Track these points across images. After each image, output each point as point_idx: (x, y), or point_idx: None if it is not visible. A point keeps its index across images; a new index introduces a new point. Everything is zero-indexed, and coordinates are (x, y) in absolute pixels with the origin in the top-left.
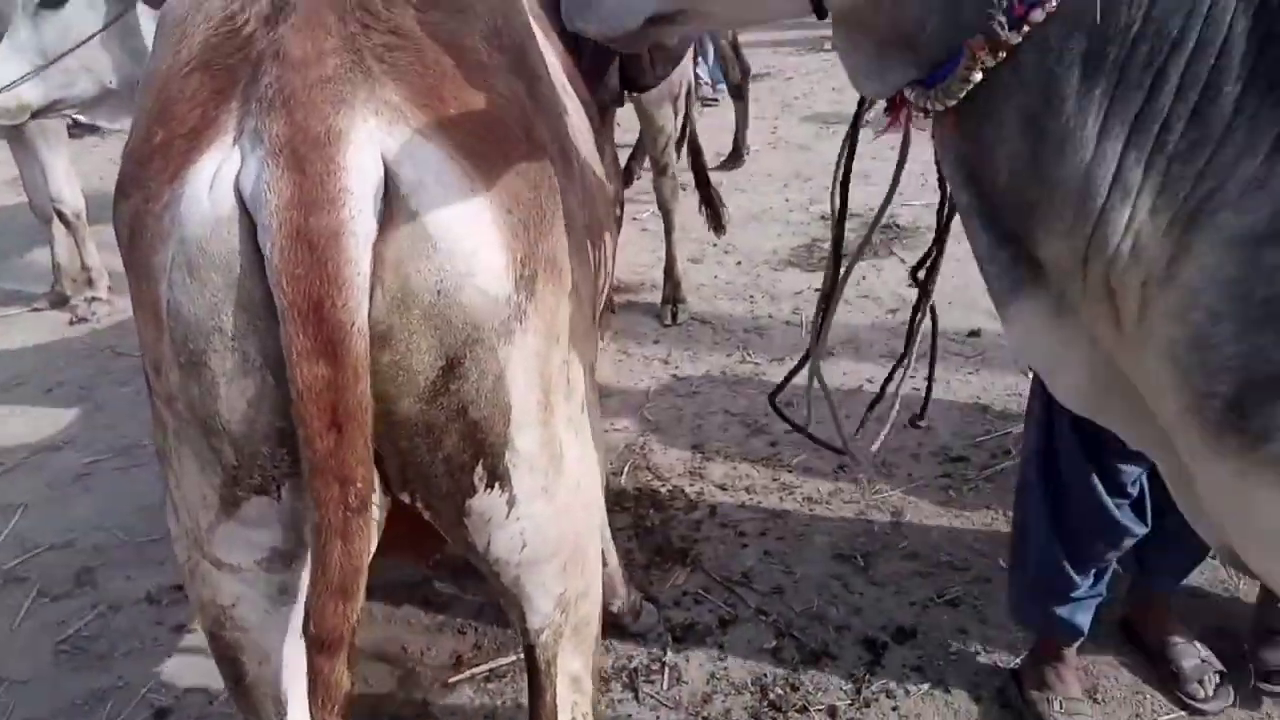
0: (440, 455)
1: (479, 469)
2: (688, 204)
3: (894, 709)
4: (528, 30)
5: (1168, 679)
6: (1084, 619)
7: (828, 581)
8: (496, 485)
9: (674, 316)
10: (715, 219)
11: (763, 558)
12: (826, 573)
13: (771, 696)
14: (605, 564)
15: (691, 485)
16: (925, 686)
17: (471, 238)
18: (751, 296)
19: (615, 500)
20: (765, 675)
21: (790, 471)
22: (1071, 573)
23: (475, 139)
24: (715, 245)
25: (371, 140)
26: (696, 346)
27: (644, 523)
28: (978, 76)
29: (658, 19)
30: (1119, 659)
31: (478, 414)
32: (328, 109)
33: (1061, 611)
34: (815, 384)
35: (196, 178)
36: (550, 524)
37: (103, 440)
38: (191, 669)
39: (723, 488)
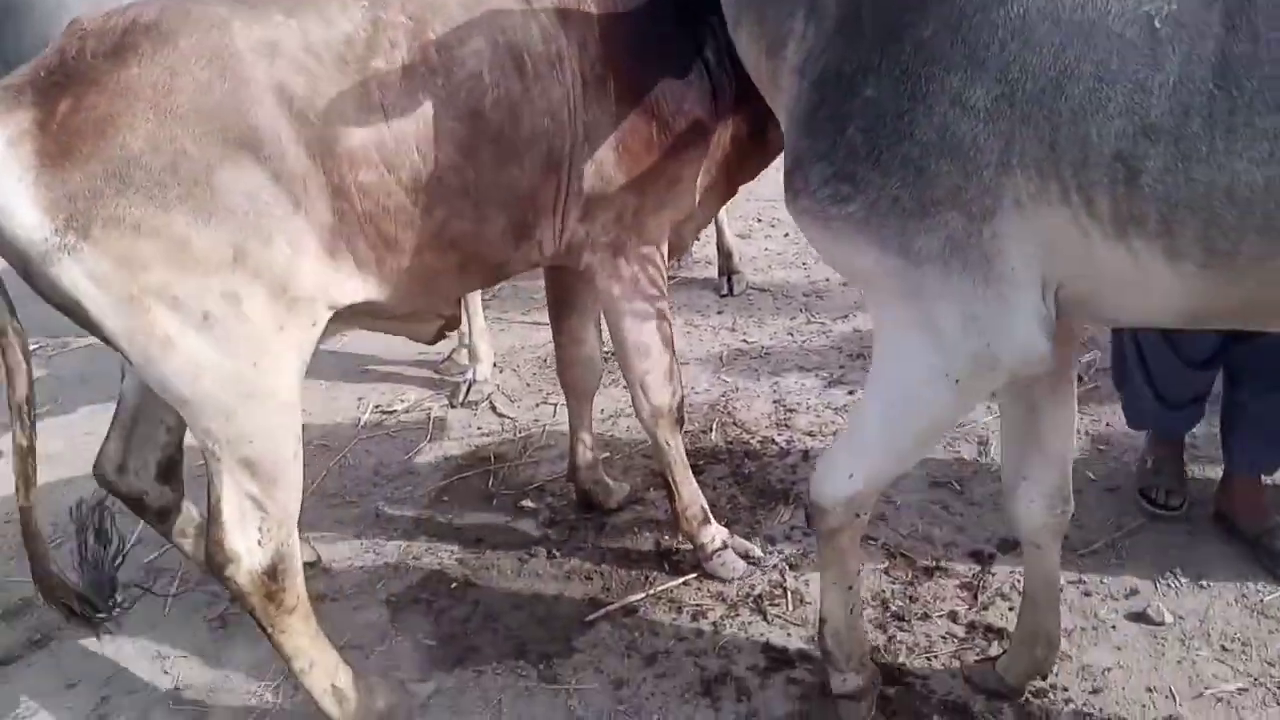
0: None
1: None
2: None
3: (1010, 609)
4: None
5: (1265, 560)
6: (1180, 418)
7: (928, 506)
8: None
9: (731, 287)
10: None
11: None
12: (926, 499)
13: (893, 608)
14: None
15: (780, 435)
16: None
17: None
18: (804, 264)
19: (710, 454)
20: (883, 590)
21: None
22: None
23: (50, 155)
24: (761, 220)
25: None
26: (760, 313)
27: (742, 470)
28: None
29: None
30: (1220, 547)
31: (65, 302)
32: None
33: (1164, 416)
34: None
35: None
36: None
37: None
38: (339, 635)
39: (810, 434)
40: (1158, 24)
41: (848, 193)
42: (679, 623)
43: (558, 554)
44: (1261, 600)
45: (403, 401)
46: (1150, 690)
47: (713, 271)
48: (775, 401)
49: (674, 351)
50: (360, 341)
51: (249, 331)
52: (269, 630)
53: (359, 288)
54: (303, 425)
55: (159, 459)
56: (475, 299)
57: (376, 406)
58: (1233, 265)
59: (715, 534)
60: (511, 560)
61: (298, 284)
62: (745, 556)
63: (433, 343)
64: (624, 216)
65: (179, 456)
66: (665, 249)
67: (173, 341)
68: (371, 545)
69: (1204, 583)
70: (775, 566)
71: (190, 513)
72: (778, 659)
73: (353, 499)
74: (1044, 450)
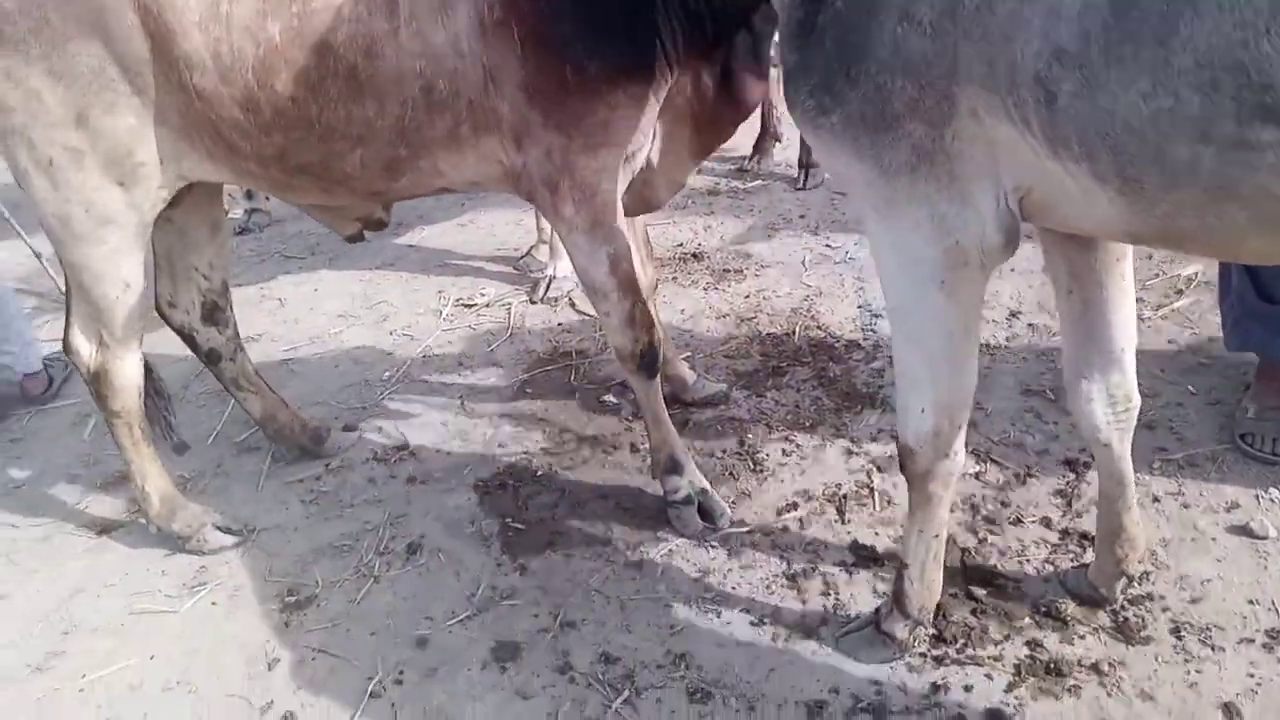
0: None
1: None
2: None
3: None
4: None
5: None
6: None
7: (1020, 414)
8: None
9: (806, 180)
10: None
11: None
12: (1017, 406)
13: (984, 512)
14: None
15: (865, 339)
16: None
17: None
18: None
19: (793, 356)
20: (974, 495)
21: None
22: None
23: None
24: None
25: None
26: (844, 219)
27: (826, 373)
28: None
29: None
30: None
31: None
32: None
33: (1267, 335)
34: None
35: None
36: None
37: (294, 331)
38: (429, 516)
39: None
40: None
41: (828, 104)
42: (764, 519)
43: (641, 448)
44: None
45: (483, 296)
46: (1252, 603)
47: (792, 174)
48: (860, 306)
49: (637, 297)
50: (439, 236)
51: (84, 182)
52: (106, 420)
53: (214, 171)
54: (387, 315)
55: (201, 301)
56: None
57: (457, 300)
58: (1143, 194)
59: (684, 485)
60: (596, 452)
61: (143, 152)
62: (710, 515)
63: (351, 241)
64: (552, 155)
65: (223, 304)
66: (613, 192)
67: (29, 175)
68: (458, 433)
69: None
70: (862, 468)
71: (246, 367)
72: (865, 557)
73: (438, 387)
74: (1101, 347)
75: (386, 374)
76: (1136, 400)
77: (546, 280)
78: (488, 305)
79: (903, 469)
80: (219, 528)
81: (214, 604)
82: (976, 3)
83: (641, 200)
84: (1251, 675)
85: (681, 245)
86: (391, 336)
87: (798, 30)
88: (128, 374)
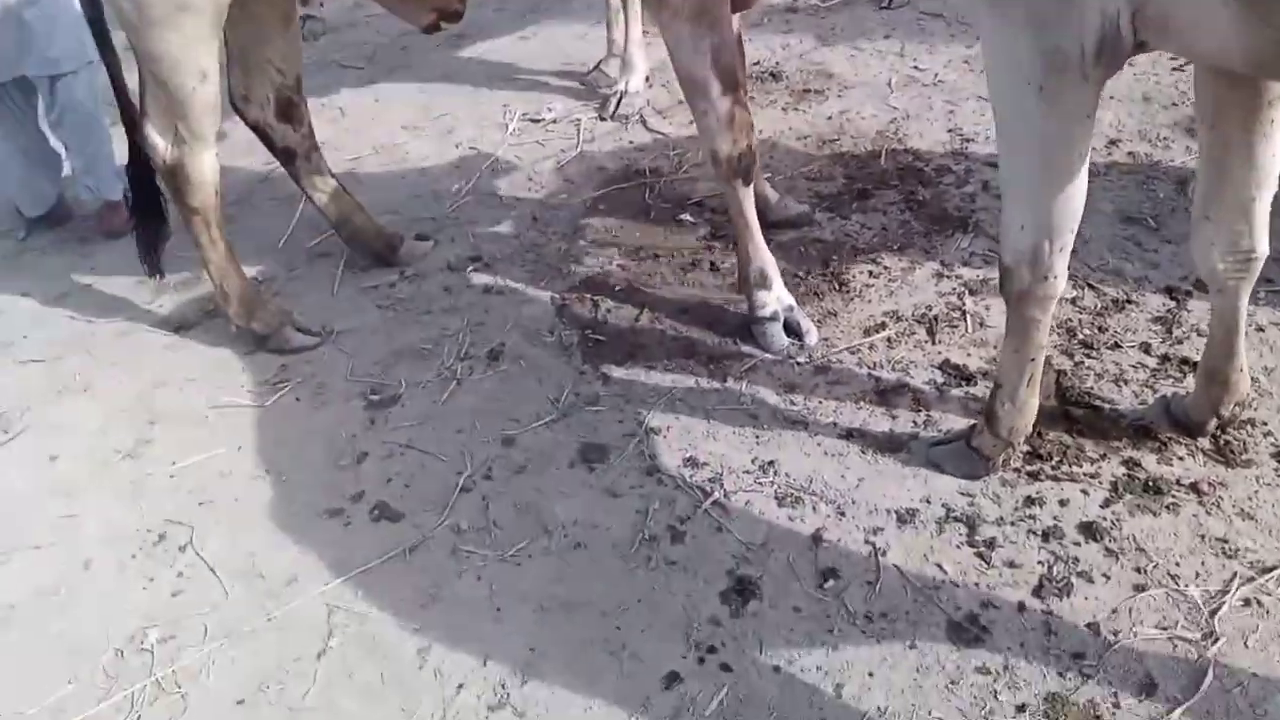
0: None
1: None
2: None
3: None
4: None
5: None
6: None
7: (1119, 241)
8: None
9: (892, 0)
10: None
11: None
12: (1117, 234)
13: (1081, 336)
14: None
15: (957, 164)
16: None
17: None
18: None
19: (880, 179)
20: (1070, 320)
21: None
22: None
23: None
24: None
25: None
26: (932, 40)
27: (915, 196)
28: None
29: None
30: None
31: None
32: None
33: None
34: None
35: None
36: None
37: (356, 141)
38: (508, 324)
39: (991, 164)
40: None
41: None
42: (851, 338)
43: (721, 267)
44: None
45: (549, 111)
46: None
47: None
48: (950, 130)
49: (739, 97)
50: (502, 49)
51: None
52: (183, 217)
53: None
54: (452, 128)
55: (275, 96)
56: (635, 7)
57: (523, 115)
58: (1267, 4)
59: (771, 301)
60: (674, 270)
61: None
62: (797, 332)
63: (427, 32)
64: None
65: (297, 100)
66: None
67: None
68: (532, 246)
69: None
70: (954, 290)
71: (322, 166)
72: (955, 375)
73: (509, 201)
74: (1232, 191)
75: (455, 186)
76: (1263, 251)
77: (617, 96)
78: (555, 121)
79: (1001, 288)
80: (298, 328)
81: (297, 400)
82: None
83: None
84: None
85: (758, 64)
86: (457, 149)
87: None
88: (206, 169)
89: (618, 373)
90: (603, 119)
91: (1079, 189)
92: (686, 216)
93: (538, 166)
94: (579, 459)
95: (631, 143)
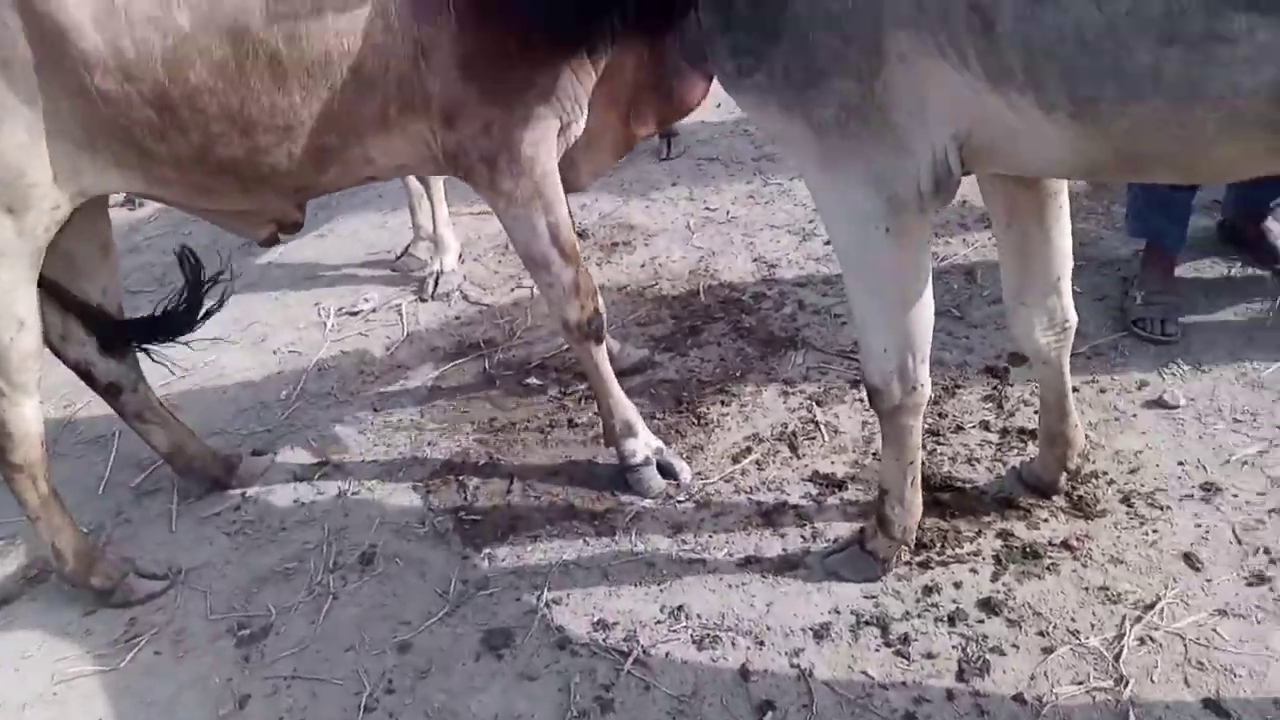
0: None
1: None
2: None
3: (1035, 411)
4: None
5: (1265, 259)
6: (1179, 228)
7: (934, 334)
8: None
9: (669, 149)
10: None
11: None
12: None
13: (927, 426)
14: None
15: (770, 290)
16: None
17: None
18: (746, 130)
19: (705, 314)
20: None
21: None
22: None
23: None
24: None
25: None
26: (715, 182)
27: (741, 325)
28: None
29: None
30: (1211, 335)
31: None
32: None
33: (1163, 221)
34: None
35: None
36: None
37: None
38: (374, 524)
39: (800, 285)
40: None
41: (750, 64)
42: (722, 468)
43: (580, 422)
44: (1259, 376)
45: (366, 302)
46: (1182, 464)
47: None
48: (755, 260)
49: (580, 264)
50: (300, 249)
51: None
52: (4, 475)
53: (123, 182)
54: (265, 335)
55: (97, 331)
56: (438, 188)
57: (339, 310)
58: (1099, 114)
59: (641, 447)
60: (533, 434)
61: (36, 171)
62: (671, 473)
63: (265, 245)
64: (491, 130)
65: (119, 331)
66: (552, 161)
67: None
68: (379, 440)
69: (1204, 367)
70: (802, 405)
71: (150, 397)
72: (826, 484)
73: (344, 398)
74: (1040, 276)
75: (283, 393)
76: (1074, 320)
77: (434, 276)
78: (374, 311)
79: (873, 405)
80: (142, 574)
81: (157, 653)
82: None
83: (564, 181)
84: (1199, 525)
85: None
86: (276, 356)
87: None
88: (29, 421)
89: (503, 550)
90: (423, 300)
91: (928, 303)
92: (533, 380)
93: (367, 358)
94: (484, 649)
95: (458, 318)
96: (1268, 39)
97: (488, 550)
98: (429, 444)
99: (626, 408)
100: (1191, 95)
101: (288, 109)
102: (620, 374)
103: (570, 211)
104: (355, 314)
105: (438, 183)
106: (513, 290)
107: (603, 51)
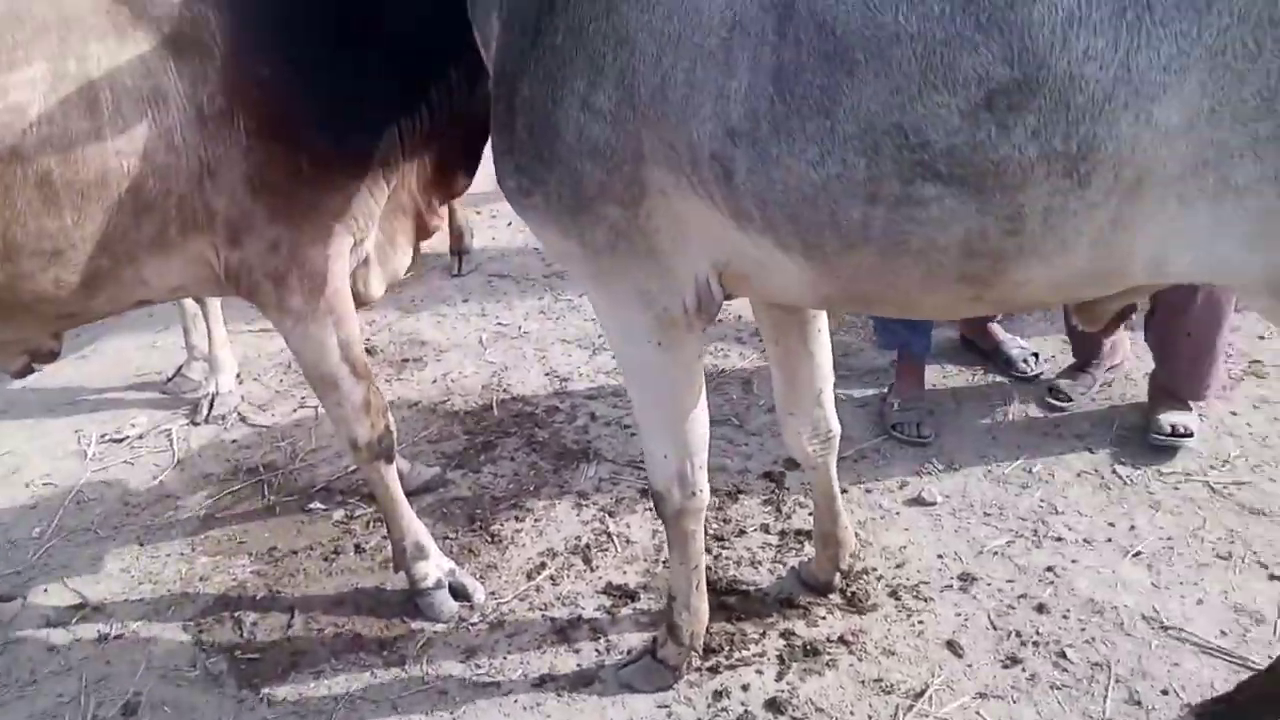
0: None
1: None
2: None
3: (809, 514)
4: None
5: (1002, 366)
6: (923, 339)
7: (716, 443)
8: None
9: (460, 267)
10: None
11: None
12: (712, 437)
13: (710, 532)
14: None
15: (563, 403)
16: None
17: None
18: (536, 248)
19: (498, 429)
20: None
21: None
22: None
23: None
24: (479, 213)
25: None
26: (506, 298)
27: (535, 439)
28: None
29: None
30: (959, 438)
31: None
32: None
33: (908, 334)
34: None
35: None
36: None
37: None
38: (139, 670)
39: (591, 398)
40: (725, 33)
41: (528, 186)
42: (516, 586)
43: (367, 547)
44: (1004, 472)
45: (134, 427)
46: (941, 557)
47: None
48: (547, 374)
49: (371, 381)
50: (59, 372)
51: None
52: None
53: None
54: (17, 467)
55: None
56: (215, 308)
57: (103, 437)
58: (825, 259)
59: (432, 570)
60: (317, 563)
61: None
62: (464, 594)
63: (18, 376)
64: (279, 248)
65: None
66: (344, 276)
67: None
68: (145, 576)
69: (955, 466)
70: (595, 517)
71: None
72: (620, 595)
73: (106, 533)
74: (805, 389)
75: (35, 530)
76: (837, 429)
77: (208, 398)
78: (141, 437)
79: (657, 511)
80: None
81: None
82: (651, 90)
83: (354, 294)
84: (959, 614)
85: None
86: (29, 489)
87: (499, 114)
88: None
89: (283, 690)
90: (196, 424)
91: (703, 413)
92: (316, 505)
93: (132, 488)
94: None
95: (235, 442)
96: (953, 204)
97: (266, 691)
98: (201, 579)
99: (417, 529)
100: (897, 248)
101: (57, 232)
102: (411, 494)
103: (360, 328)
104: (120, 441)
105: (214, 299)
106: (295, 410)
107: (395, 164)
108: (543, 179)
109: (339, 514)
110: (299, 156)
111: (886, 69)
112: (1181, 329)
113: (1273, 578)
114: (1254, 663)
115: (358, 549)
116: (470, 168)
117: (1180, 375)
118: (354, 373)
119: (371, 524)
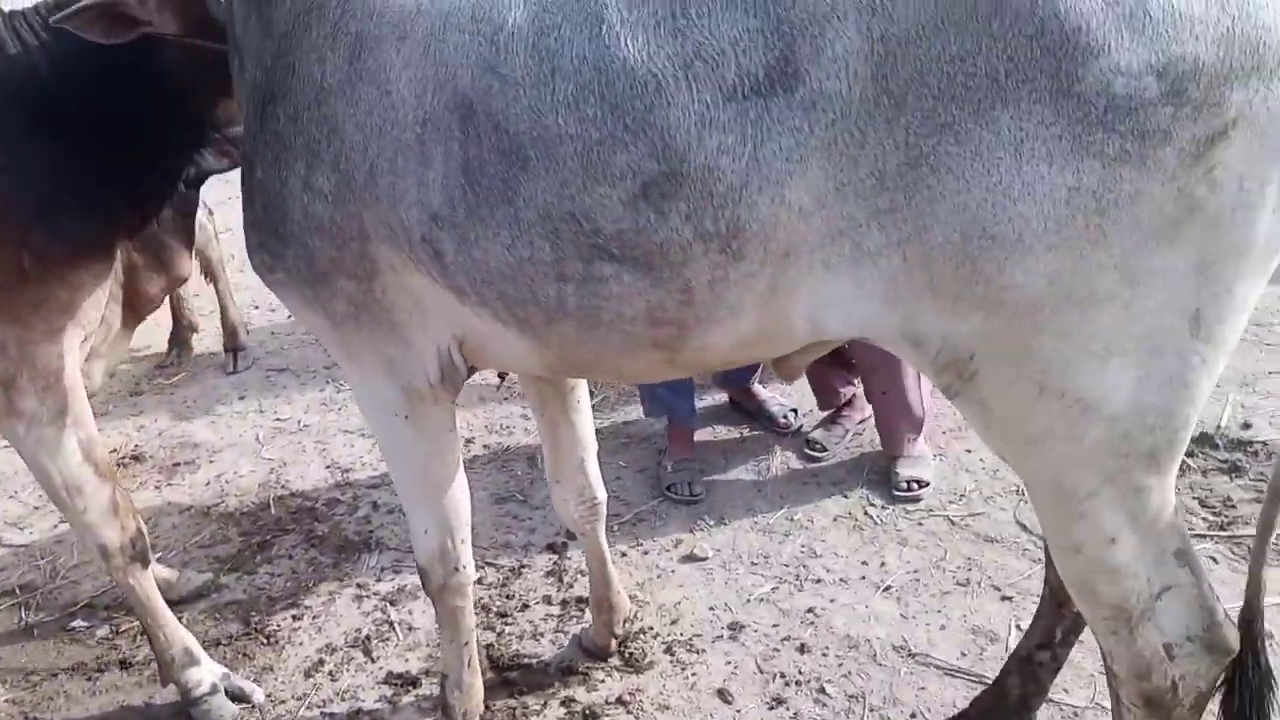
0: None
1: None
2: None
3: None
4: None
5: (765, 423)
6: (687, 403)
7: (500, 519)
8: None
9: (236, 364)
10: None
11: None
12: (496, 514)
13: (495, 609)
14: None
15: (344, 494)
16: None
17: None
18: (315, 340)
19: (276, 527)
20: (481, 598)
21: None
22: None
23: None
24: (257, 307)
25: None
26: (286, 392)
27: (314, 534)
28: None
29: None
30: (727, 495)
31: None
32: None
33: (671, 399)
34: None
35: None
36: None
37: None
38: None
39: (374, 486)
40: (419, 129)
41: (270, 261)
42: (295, 686)
43: (134, 661)
44: (769, 522)
45: None
46: (713, 609)
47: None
48: (328, 466)
49: (116, 481)
50: None
51: None
52: None
53: None
54: None
55: None
56: None
57: None
58: (535, 331)
59: (205, 676)
60: (79, 684)
61: None
62: (242, 697)
63: None
64: (7, 349)
65: None
66: (76, 375)
67: None
68: None
69: (725, 520)
70: (376, 607)
71: None
72: (401, 683)
73: None
74: (569, 457)
75: None
76: (602, 496)
77: None
78: None
79: (424, 588)
80: None
81: None
82: (363, 175)
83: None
84: (729, 663)
85: (116, 450)
86: None
87: (244, 192)
88: None
89: None
90: None
91: (462, 487)
92: (79, 623)
93: None
94: None
95: None
96: (630, 280)
97: None
98: None
99: (183, 635)
100: (591, 320)
101: None
102: (181, 602)
103: (125, 434)
104: None
105: None
106: (55, 526)
107: (114, 252)
108: (281, 254)
109: (103, 630)
110: (19, 255)
111: (555, 164)
112: (876, 388)
113: (1004, 598)
114: (988, 678)
115: (123, 665)
116: (189, 249)
117: (884, 431)
118: (97, 474)
119: (138, 638)
